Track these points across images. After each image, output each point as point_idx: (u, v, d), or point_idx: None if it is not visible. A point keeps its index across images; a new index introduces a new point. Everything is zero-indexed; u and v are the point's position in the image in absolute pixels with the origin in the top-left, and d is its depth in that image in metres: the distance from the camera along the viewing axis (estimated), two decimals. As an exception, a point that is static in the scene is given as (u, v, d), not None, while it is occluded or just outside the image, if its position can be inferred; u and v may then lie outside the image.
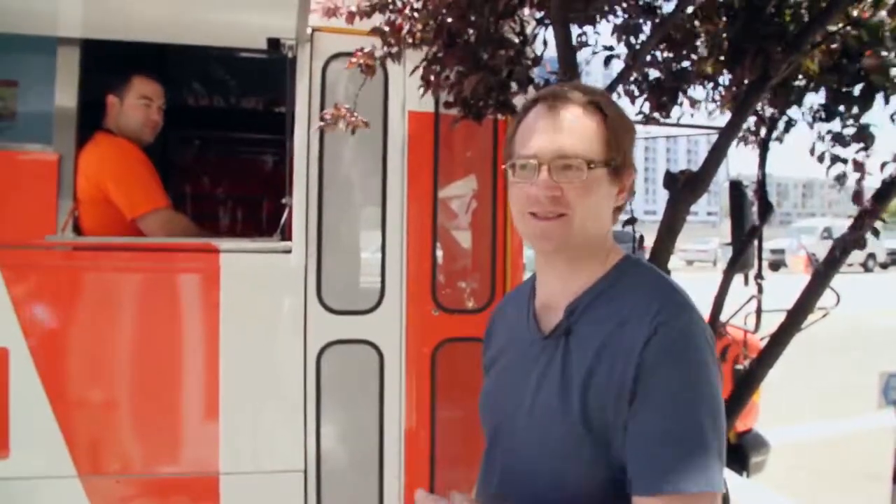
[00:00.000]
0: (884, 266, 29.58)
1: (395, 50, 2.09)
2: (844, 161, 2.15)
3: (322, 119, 2.22)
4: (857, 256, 26.35)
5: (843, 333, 8.83)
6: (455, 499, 1.11)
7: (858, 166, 2.10)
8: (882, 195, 2.20)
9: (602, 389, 1.09)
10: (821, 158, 2.17)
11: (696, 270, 24.75)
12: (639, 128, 2.55)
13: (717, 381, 1.09)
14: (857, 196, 2.15)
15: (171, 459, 2.65)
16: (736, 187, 2.93)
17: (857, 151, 2.16)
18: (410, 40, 2.04)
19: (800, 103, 2.41)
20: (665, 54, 2.20)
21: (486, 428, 1.32)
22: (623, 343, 1.09)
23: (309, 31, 2.63)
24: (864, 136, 2.17)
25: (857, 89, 2.21)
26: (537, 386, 1.17)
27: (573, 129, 1.15)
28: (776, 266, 22.80)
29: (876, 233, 2.23)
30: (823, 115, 2.32)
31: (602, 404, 1.09)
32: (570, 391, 1.12)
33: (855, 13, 2.09)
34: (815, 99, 2.37)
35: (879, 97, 2.17)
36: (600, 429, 1.09)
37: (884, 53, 1.95)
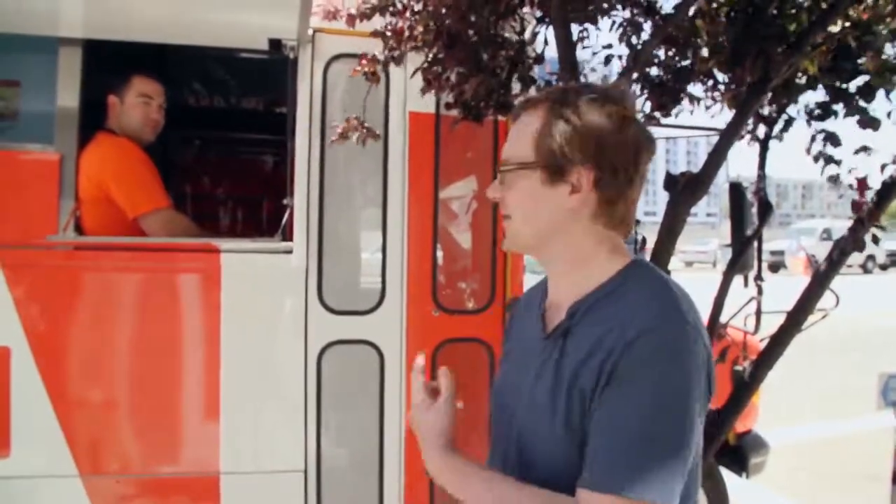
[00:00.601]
0: (883, 267, 29.58)
1: (396, 53, 2.10)
2: (838, 162, 2.16)
3: (335, 133, 2.26)
4: (856, 258, 26.34)
5: (843, 335, 8.84)
6: (441, 376, 1.23)
7: (862, 185, 2.11)
8: (881, 197, 2.20)
9: (585, 390, 1.08)
10: (816, 158, 2.17)
11: (695, 271, 24.75)
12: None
13: (697, 393, 1.06)
14: (856, 205, 2.14)
15: (171, 459, 2.66)
16: (735, 189, 2.93)
17: (855, 152, 2.16)
18: (412, 43, 2.05)
19: (797, 101, 2.41)
20: (666, 54, 2.20)
21: (492, 419, 1.33)
22: (611, 342, 1.07)
23: (310, 31, 2.63)
24: (870, 123, 2.15)
25: (853, 85, 2.21)
26: (534, 384, 1.18)
27: (514, 134, 1.20)
28: (776, 267, 22.79)
29: (876, 240, 2.23)
30: (820, 113, 2.31)
31: (584, 404, 1.08)
32: (559, 393, 1.12)
33: (854, 14, 2.10)
34: (814, 97, 2.37)
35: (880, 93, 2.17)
36: (581, 430, 1.08)
37: (884, 56, 1.95)
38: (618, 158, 1.15)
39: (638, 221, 2.35)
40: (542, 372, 1.17)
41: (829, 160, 2.15)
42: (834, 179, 2.19)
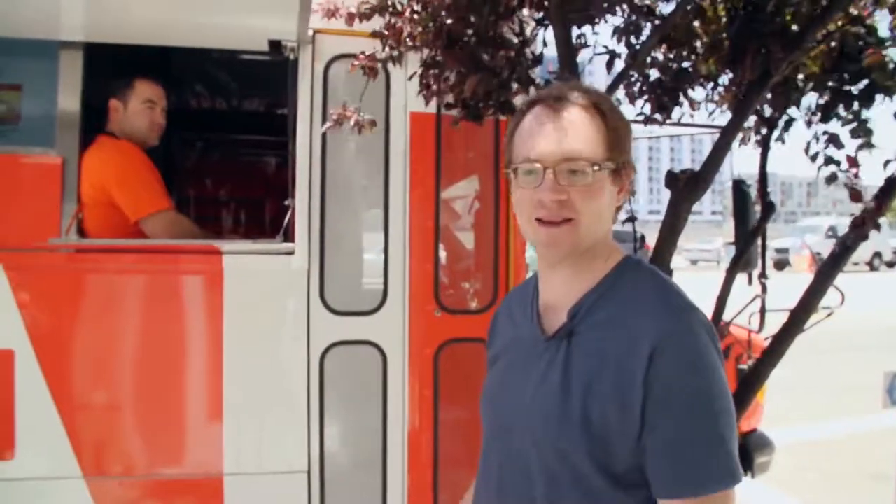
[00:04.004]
0: (890, 265, 29.45)
1: (396, 53, 2.10)
2: (838, 163, 2.15)
3: (330, 120, 2.25)
4: (863, 255, 26.48)
5: (849, 333, 8.80)
6: None
7: (852, 162, 2.09)
8: (885, 193, 2.19)
9: (605, 397, 1.09)
10: (814, 158, 2.17)
11: (700, 270, 24.69)
12: (643, 127, 2.56)
13: (725, 379, 1.11)
14: (854, 194, 2.13)
15: (175, 461, 2.66)
16: (739, 186, 2.92)
17: (858, 149, 2.15)
18: (410, 43, 2.04)
19: (799, 104, 2.40)
20: (665, 54, 2.19)
21: (485, 424, 1.32)
22: (627, 350, 1.09)
23: (310, 32, 2.63)
24: (865, 131, 2.16)
25: (856, 89, 2.20)
26: (538, 387, 1.17)
27: (576, 130, 1.14)
28: (781, 265, 22.76)
29: (877, 227, 2.21)
30: (820, 116, 2.31)
31: (604, 411, 1.09)
32: (571, 395, 1.12)
33: (855, 11, 2.09)
34: (814, 100, 2.36)
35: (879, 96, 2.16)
36: (600, 434, 1.09)
37: (885, 53, 1.95)
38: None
39: (635, 219, 2.36)
40: (547, 374, 1.17)
41: (829, 160, 2.14)
42: (831, 180, 2.19)
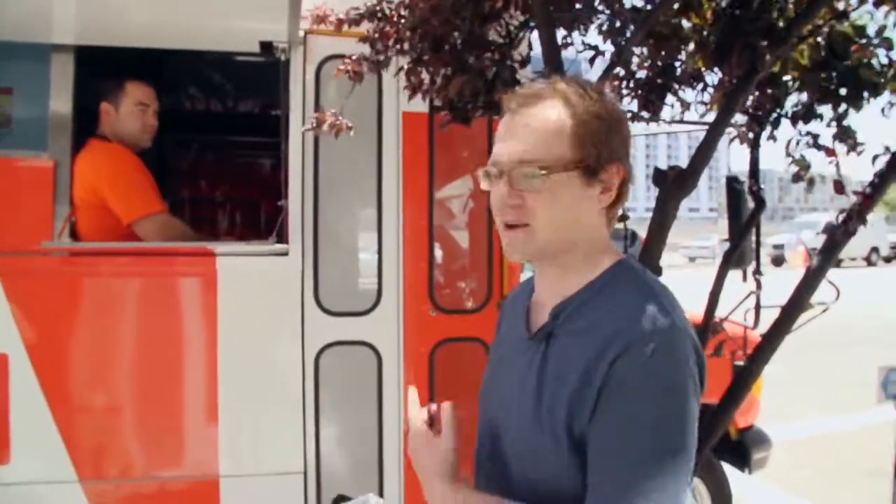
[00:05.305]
0: (887, 260, 29.48)
1: (383, 57, 2.10)
2: (808, 166, 2.17)
3: (309, 123, 2.25)
4: (860, 250, 26.45)
5: (845, 328, 8.80)
6: (432, 409, 1.21)
7: (830, 153, 2.09)
8: (874, 188, 2.19)
9: (572, 403, 1.05)
10: (791, 154, 2.18)
11: (698, 267, 24.69)
12: (637, 125, 2.56)
13: (693, 402, 1.03)
14: (838, 185, 2.14)
15: (171, 463, 2.66)
16: (731, 184, 2.92)
17: (847, 152, 2.16)
18: (398, 48, 2.05)
19: (782, 104, 2.40)
20: (653, 52, 2.19)
21: (480, 418, 1.29)
22: (595, 359, 1.04)
23: (301, 33, 2.63)
24: (847, 137, 2.18)
25: (843, 89, 2.20)
26: (519, 387, 1.15)
27: (533, 131, 1.08)
28: (778, 261, 22.79)
29: (864, 221, 2.21)
30: (802, 117, 2.31)
31: (571, 418, 1.05)
32: (542, 400, 1.09)
33: (841, 5, 2.09)
34: (799, 99, 2.36)
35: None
36: (569, 442, 1.06)
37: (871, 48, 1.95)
38: (629, 152, 1.12)
39: (627, 217, 2.35)
40: (526, 375, 1.14)
41: (801, 161, 2.16)
42: (797, 179, 2.22)
